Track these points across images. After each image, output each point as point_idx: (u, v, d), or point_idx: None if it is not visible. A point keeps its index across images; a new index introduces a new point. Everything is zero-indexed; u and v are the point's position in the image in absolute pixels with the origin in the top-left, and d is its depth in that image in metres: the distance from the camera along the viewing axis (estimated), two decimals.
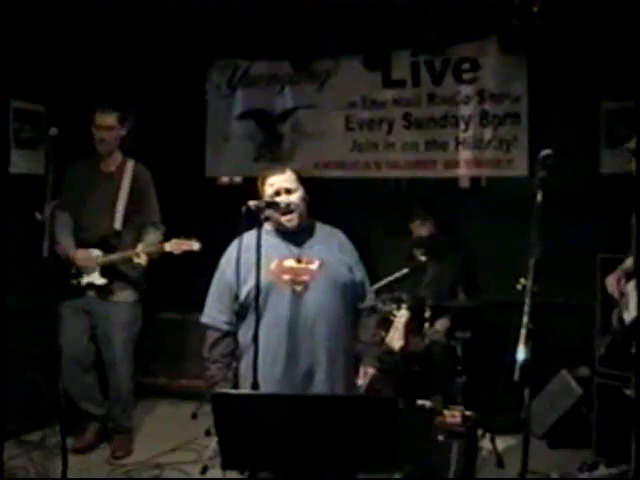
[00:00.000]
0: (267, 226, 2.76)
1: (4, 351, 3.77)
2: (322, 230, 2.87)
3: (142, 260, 3.89)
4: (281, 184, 2.74)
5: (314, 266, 2.69)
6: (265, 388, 2.44)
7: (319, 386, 2.65)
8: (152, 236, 4.05)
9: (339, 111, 5.30)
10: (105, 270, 4.00)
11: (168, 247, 3.85)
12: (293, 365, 2.63)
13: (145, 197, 4.15)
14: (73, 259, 3.97)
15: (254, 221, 2.53)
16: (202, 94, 5.62)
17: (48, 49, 4.58)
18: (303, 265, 2.69)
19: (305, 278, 2.66)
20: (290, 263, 2.68)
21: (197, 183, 5.61)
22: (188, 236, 3.85)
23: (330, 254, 2.77)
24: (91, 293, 4.04)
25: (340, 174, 5.31)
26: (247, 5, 4.76)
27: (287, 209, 2.69)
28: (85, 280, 4.00)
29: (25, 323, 4.18)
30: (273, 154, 5.49)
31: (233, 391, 2.20)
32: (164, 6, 4.73)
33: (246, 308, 2.64)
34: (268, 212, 2.66)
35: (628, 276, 2.96)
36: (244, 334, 2.64)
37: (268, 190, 2.74)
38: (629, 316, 2.87)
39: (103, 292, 4.02)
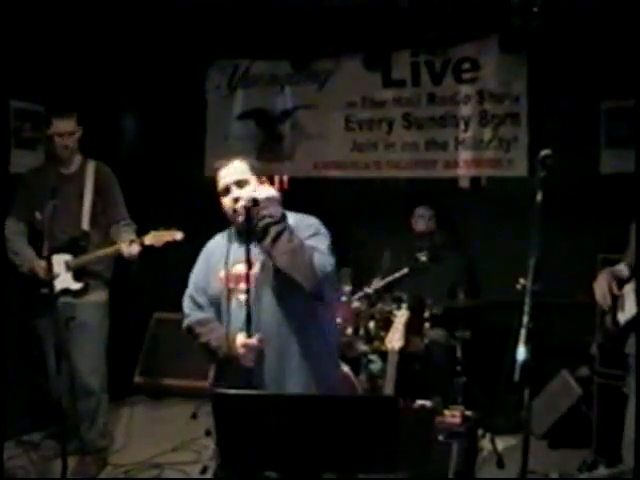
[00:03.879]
0: (233, 229, 2.59)
1: (4, 351, 3.77)
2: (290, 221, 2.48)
3: (134, 249, 3.63)
4: (230, 178, 2.54)
5: (255, 270, 2.44)
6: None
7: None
8: (127, 234, 3.82)
9: (339, 111, 5.29)
10: (78, 272, 3.77)
11: (147, 240, 3.63)
12: (258, 373, 2.45)
13: (110, 196, 3.94)
14: (34, 271, 3.69)
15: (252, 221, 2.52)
16: (202, 94, 5.62)
17: (48, 49, 4.58)
18: (252, 270, 2.42)
19: (244, 286, 2.41)
20: (237, 269, 2.47)
21: (197, 183, 5.60)
22: (169, 228, 3.64)
23: None
24: (66, 299, 3.74)
25: (340, 174, 5.30)
26: (247, 5, 4.76)
27: (235, 205, 2.46)
28: (58, 287, 3.64)
29: (25, 324, 4.18)
30: (273, 154, 5.49)
31: (233, 391, 2.19)
32: (164, 6, 4.73)
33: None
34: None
35: (620, 282, 2.91)
36: None
37: (219, 186, 2.56)
38: (624, 317, 2.85)
39: (78, 293, 3.79)
